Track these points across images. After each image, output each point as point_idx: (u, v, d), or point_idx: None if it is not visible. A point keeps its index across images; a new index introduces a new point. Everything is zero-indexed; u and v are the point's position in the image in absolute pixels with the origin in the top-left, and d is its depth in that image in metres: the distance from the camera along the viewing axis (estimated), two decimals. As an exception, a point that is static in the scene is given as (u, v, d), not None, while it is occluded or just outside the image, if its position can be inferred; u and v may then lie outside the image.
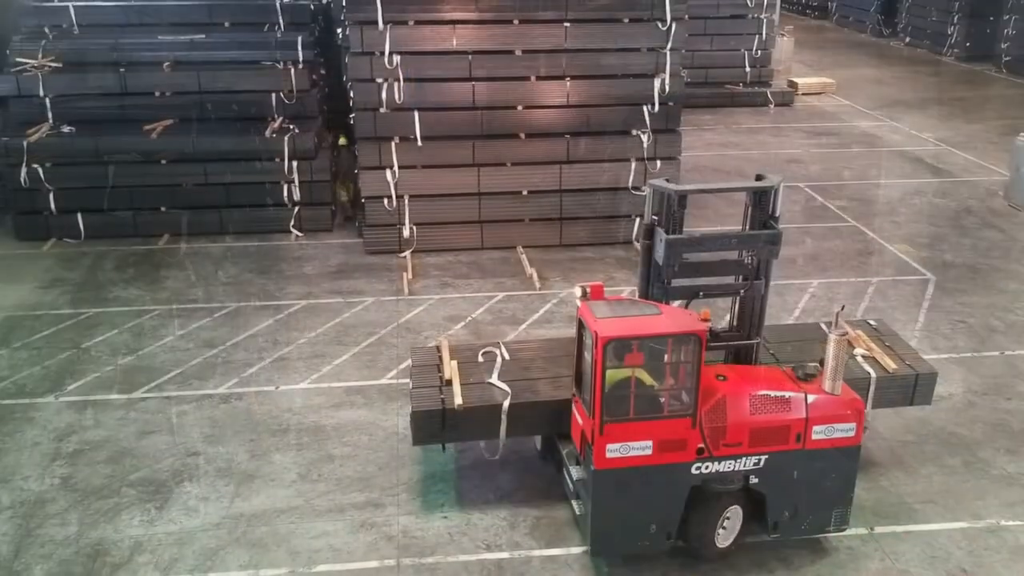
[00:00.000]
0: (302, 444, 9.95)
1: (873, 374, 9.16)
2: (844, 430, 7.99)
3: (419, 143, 14.53)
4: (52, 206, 15.33)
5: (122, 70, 16.04)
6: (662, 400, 7.83)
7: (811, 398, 7.95)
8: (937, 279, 14.20)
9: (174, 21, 17.01)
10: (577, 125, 14.91)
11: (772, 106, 25.22)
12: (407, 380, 11.00)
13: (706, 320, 7.74)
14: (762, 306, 8.49)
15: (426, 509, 8.93)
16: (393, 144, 14.52)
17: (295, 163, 15.50)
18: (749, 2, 25.12)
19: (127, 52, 16.32)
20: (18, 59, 16.00)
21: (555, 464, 9.22)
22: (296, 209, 15.73)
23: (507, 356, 9.36)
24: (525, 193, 14.99)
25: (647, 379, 7.80)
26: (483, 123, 14.72)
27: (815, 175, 19.25)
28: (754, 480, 8.05)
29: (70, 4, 17.03)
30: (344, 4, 14.47)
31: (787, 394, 7.96)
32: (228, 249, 15.17)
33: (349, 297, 13.46)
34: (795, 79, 27.09)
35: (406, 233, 14.87)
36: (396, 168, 14.58)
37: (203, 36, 16.58)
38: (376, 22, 13.96)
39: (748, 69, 25.53)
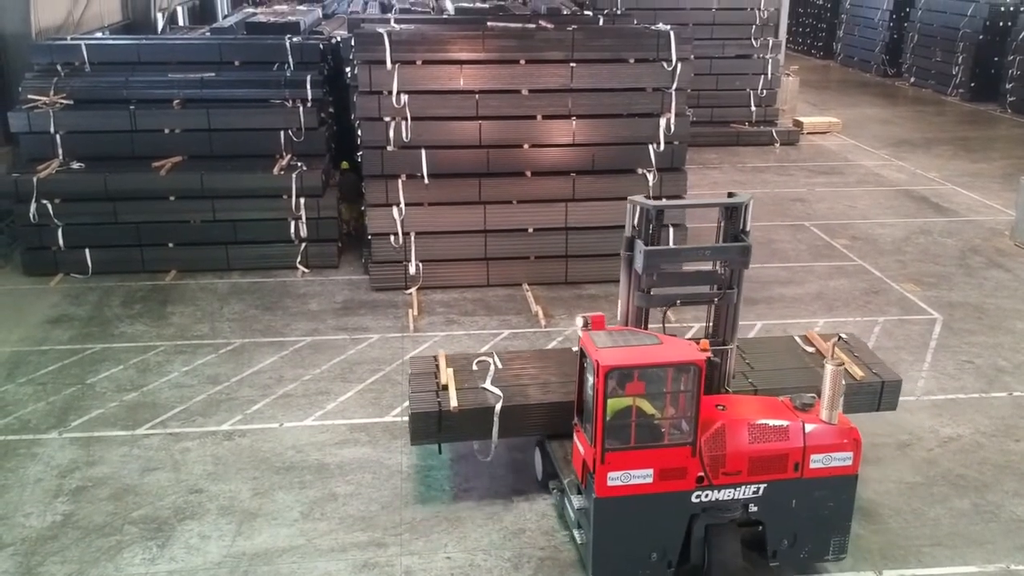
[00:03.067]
0: (305, 482, 9.90)
1: (842, 381, 9.23)
2: (841, 459, 8.12)
3: (426, 181, 14.60)
4: (60, 242, 15.41)
5: (132, 107, 16.19)
6: (662, 429, 7.98)
7: (809, 427, 8.08)
8: (944, 319, 14.16)
9: (185, 60, 17.21)
10: (583, 164, 14.98)
11: (777, 145, 25.33)
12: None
13: (705, 350, 7.93)
14: (735, 314, 8.90)
15: (429, 549, 8.86)
16: (400, 182, 14.60)
17: (302, 200, 15.59)
18: (755, 42, 25.37)
19: (138, 90, 16.50)
20: (30, 96, 16.18)
21: (552, 479, 9.41)
22: (303, 246, 15.79)
23: (500, 365, 9.84)
24: (531, 231, 15.03)
25: (648, 408, 7.98)
26: (489, 161, 14.79)
27: (820, 214, 19.28)
28: (753, 508, 8.16)
29: (82, 42, 17.27)
30: (353, 44, 14.62)
31: (785, 423, 8.09)
32: (234, 285, 15.21)
33: (354, 334, 13.46)
34: (800, 118, 27.23)
35: (412, 270, 14.90)
36: (403, 205, 14.64)
37: (213, 74, 16.77)
38: (384, 62, 14.09)
39: (753, 108, 25.69)
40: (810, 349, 10.34)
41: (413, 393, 9.48)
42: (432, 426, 9.18)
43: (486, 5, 24.27)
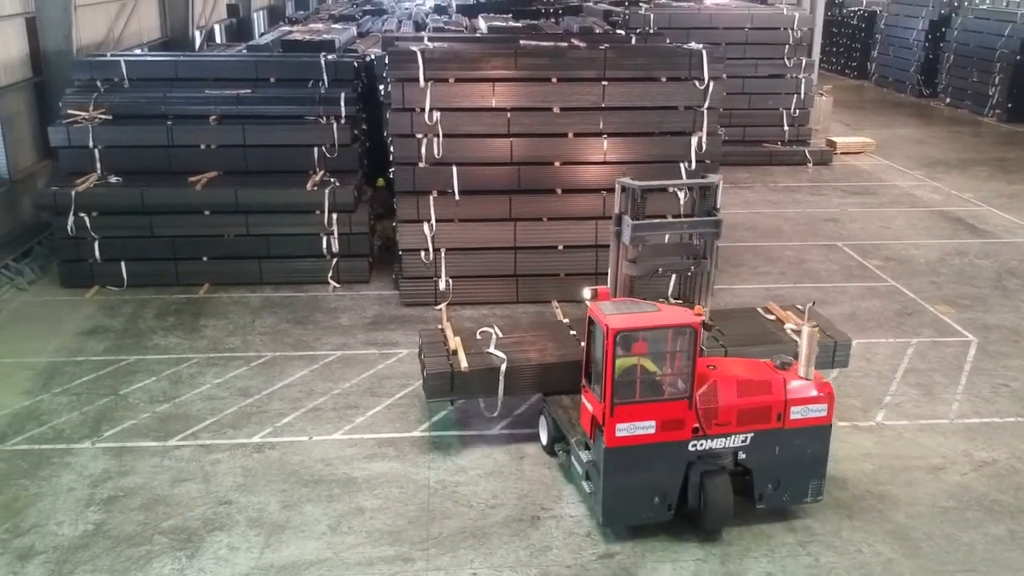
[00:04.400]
0: (333, 495, 9.94)
1: (816, 342, 10.18)
2: (818, 410, 9.18)
3: (457, 197, 14.68)
4: (97, 254, 15.65)
5: (169, 123, 16.45)
6: (663, 385, 9.03)
7: (788, 383, 9.12)
8: (979, 341, 13.97)
9: (221, 76, 17.47)
10: (613, 181, 14.92)
11: (810, 165, 25.18)
12: (440, 433, 11.09)
13: (699, 315, 9.07)
14: (709, 280, 10.35)
15: (456, 564, 8.85)
16: (431, 198, 14.68)
17: (335, 215, 15.72)
18: (788, 62, 25.29)
19: (175, 105, 16.77)
20: (70, 111, 16.48)
21: (556, 443, 10.48)
22: (334, 261, 15.91)
23: (500, 334, 11.16)
24: (561, 248, 15.05)
25: (650, 366, 9.01)
26: (520, 178, 14.85)
27: (853, 234, 19.13)
28: (742, 456, 9.16)
29: (121, 59, 17.59)
30: (387, 62, 14.77)
31: (768, 380, 9.13)
32: (266, 299, 15.35)
33: (384, 348, 13.52)
34: (834, 138, 27.05)
35: (442, 286, 14.96)
36: (434, 221, 14.72)
37: (249, 91, 17.00)
38: (417, 79, 14.21)
39: (786, 128, 25.58)
40: (771, 317, 11.65)
41: (427, 357, 10.73)
42: (446, 384, 10.50)
43: (519, 24, 24.43)
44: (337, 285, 15.86)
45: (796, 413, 9.11)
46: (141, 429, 11.27)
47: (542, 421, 10.80)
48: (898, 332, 14.29)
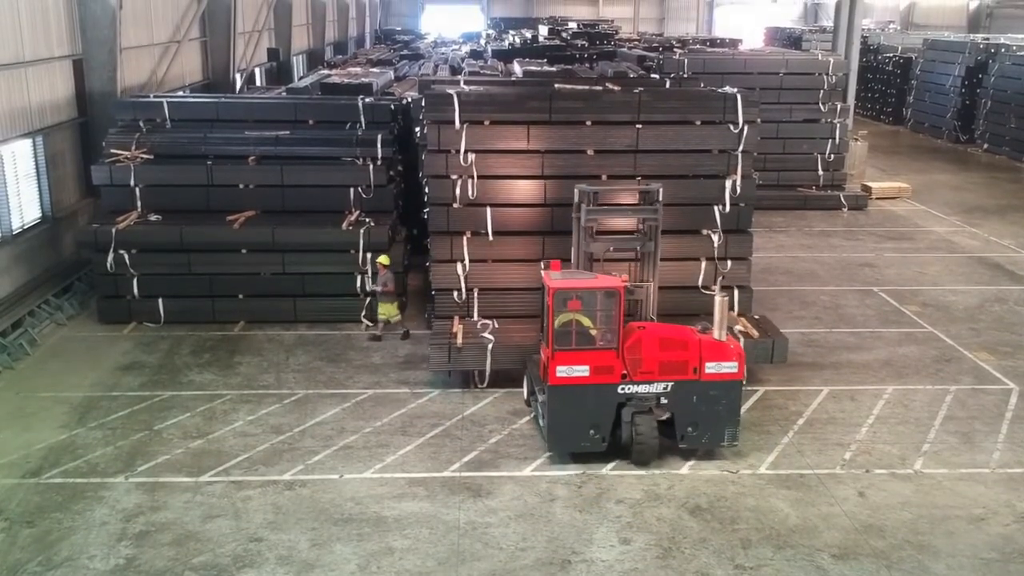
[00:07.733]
0: (363, 534, 9.91)
1: (743, 341, 12.92)
2: (729, 367, 11.10)
3: (490, 238, 14.72)
4: (135, 291, 15.86)
5: (209, 163, 16.74)
6: (595, 336, 11.08)
7: (704, 342, 11.06)
8: (1021, 389, 13.70)
9: (261, 118, 17.77)
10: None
11: (845, 210, 25.05)
12: (471, 473, 11.05)
13: (625, 281, 11.38)
14: (655, 260, 12.44)
15: (485, 607, 8.76)
16: (465, 238, 14.75)
17: (369, 255, 15.84)
18: (822, 107, 25.28)
19: (215, 146, 17.08)
20: (113, 150, 16.82)
21: (531, 396, 12.49)
22: (368, 300, 16.00)
23: (496, 326, 13.82)
24: (594, 290, 15.01)
25: (585, 321, 11.10)
26: (553, 220, 14.86)
27: (889, 279, 18.94)
28: (664, 401, 11.10)
29: (164, 100, 17.97)
30: (423, 104, 14.94)
31: (687, 339, 11.12)
32: (300, 337, 15.45)
33: (416, 388, 13.54)
34: (869, 183, 26.91)
35: (474, 326, 14.99)
36: (467, 261, 14.77)
37: (288, 132, 17.26)
38: (453, 122, 14.35)
39: (821, 172, 25.49)
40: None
41: (434, 335, 13.59)
42: (445, 357, 13.17)
43: (554, 69, 24.67)
44: (371, 324, 15.94)
45: (710, 368, 11.04)
46: (174, 465, 11.33)
47: (525, 380, 12.78)
48: (936, 379, 14.06)
